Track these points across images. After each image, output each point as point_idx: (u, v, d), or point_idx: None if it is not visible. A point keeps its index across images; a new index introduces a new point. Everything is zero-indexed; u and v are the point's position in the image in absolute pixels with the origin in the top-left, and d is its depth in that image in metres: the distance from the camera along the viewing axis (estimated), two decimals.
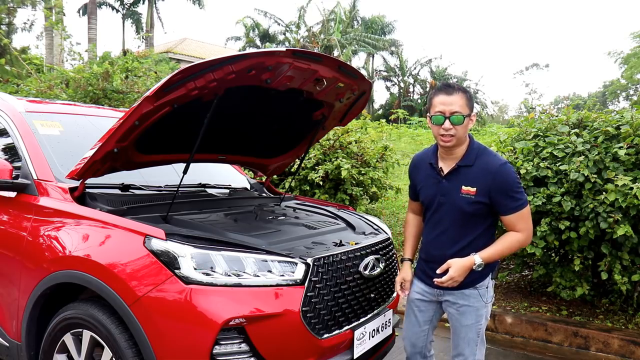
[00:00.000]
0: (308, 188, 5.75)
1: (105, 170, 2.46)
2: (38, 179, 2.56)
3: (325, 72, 2.55)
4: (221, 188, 3.33)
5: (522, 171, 3.98)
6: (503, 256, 2.18)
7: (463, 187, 2.15)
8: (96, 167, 2.35)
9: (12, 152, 2.80)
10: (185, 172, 2.41)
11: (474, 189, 2.12)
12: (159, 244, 2.03)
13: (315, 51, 2.76)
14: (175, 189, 2.60)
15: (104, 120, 3.31)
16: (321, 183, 5.60)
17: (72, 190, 2.44)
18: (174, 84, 2.13)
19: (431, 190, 2.26)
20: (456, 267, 2.13)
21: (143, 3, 29.48)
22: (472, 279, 2.20)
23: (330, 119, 3.11)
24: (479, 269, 2.14)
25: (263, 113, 2.91)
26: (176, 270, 1.98)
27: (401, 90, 30.57)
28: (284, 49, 2.26)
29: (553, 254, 4.47)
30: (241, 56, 2.15)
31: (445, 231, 2.23)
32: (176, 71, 2.09)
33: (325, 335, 2.19)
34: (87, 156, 2.29)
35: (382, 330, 2.60)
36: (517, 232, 2.15)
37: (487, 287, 2.24)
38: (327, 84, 2.66)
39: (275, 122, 3.08)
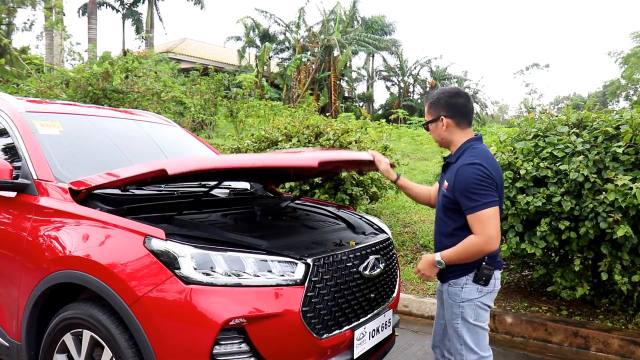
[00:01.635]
0: (308, 188, 5.74)
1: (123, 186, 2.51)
2: (38, 179, 2.55)
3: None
4: (221, 188, 3.33)
5: (522, 171, 3.98)
6: (463, 259, 2.17)
7: (445, 182, 2.28)
8: (117, 184, 2.36)
9: (12, 152, 2.80)
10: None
11: (447, 184, 2.25)
12: (159, 244, 2.03)
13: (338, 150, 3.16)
14: (175, 189, 2.60)
15: (104, 120, 3.31)
16: (321, 183, 5.60)
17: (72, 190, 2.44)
18: None
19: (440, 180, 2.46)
20: (422, 260, 2.30)
21: (143, 3, 29.45)
22: (444, 275, 2.31)
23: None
24: (439, 266, 2.24)
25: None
26: (176, 270, 1.98)
27: (401, 90, 30.53)
28: (315, 164, 2.17)
29: (553, 254, 4.47)
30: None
31: (436, 220, 2.41)
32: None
33: (325, 335, 2.19)
34: (116, 176, 2.24)
35: (382, 330, 2.60)
36: (474, 234, 2.14)
37: (461, 287, 2.24)
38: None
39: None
